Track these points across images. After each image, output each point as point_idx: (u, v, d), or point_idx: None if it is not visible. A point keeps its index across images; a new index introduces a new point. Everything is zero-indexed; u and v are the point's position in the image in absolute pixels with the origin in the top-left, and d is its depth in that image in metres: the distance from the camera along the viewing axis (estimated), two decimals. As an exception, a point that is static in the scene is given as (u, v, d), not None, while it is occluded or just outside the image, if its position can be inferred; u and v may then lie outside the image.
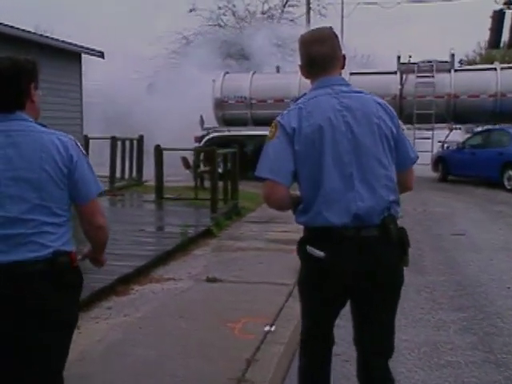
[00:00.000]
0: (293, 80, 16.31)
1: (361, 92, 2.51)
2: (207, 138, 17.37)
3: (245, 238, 8.08)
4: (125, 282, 5.52)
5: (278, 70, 18.87)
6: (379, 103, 2.48)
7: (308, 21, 26.76)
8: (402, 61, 17.25)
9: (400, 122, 2.56)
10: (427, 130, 16.66)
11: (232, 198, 10.60)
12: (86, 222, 2.28)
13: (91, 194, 2.26)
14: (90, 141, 13.23)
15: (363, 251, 2.36)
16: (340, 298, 2.53)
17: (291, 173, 2.40)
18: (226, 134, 17.43)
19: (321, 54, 2.47)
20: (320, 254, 2.36)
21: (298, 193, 2.50)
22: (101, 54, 14.57)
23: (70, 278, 2.22)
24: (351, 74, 15.38)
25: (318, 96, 2.45)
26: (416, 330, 4.48)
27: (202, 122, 17.90)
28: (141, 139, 14.56)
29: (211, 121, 18.46)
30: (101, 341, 4.10)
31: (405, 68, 17.03)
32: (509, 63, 19.40)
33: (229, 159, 10.96)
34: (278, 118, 2.46)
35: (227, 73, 19.07)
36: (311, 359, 2.69)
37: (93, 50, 14.21)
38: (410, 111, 16.32)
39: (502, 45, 17.57)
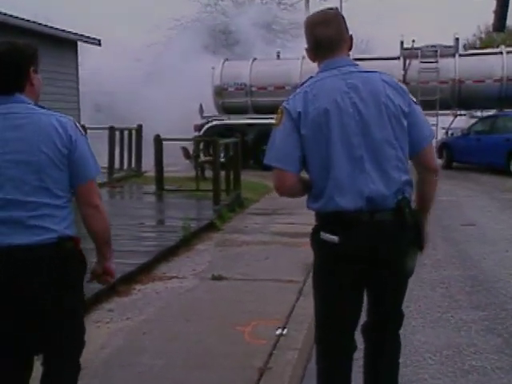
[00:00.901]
0: (294, 66, 16.01)
1: (368, 71, 2.43)
2: (207, 126, 17.07)
3: (249, 232, 7.82)
4: (126, 282, 5.26)
5: (278, 56, 18.48)
6: (387, 81, 2.39)
7: (307, 5, 26.26)
8: (405, 46, 16.89)
9: (412, 97, 2.42)
10: (432, 116, 16.33)
11: (234, 189, 10.33)
12: (83, 203, 2.24)
13: (90, 174, 2.24)
14: (88, 131, 12.93)
15: (377, 236, 2.30)
16: (355, 284, 2.45)
17: (298, 159, 2.35)
18: (226, 122, 17.12)
19: (326, 36, 2.41)
20: (334, 238, 2.31)
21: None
22: (98, 42, 14.27)
23: (75, 264, 2.21)
24: (353, 59, 15.05)
25: (323, 78, 2.39)
26: (435, 331, 4.24)
27: (201, 110, 17.57)
28: (139, 129, 14.24)
29: (211, 109, 18.13)
30: (103, 348, 3.85)
31: (408, 53, 16.66)
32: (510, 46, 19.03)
33: (230, 149, 10.67)
34: (284, 103, 2.40)
35: (227, 60, 18.71)
36: (328, 355, 2.55)
37: (89, 37, 13.90)
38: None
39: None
